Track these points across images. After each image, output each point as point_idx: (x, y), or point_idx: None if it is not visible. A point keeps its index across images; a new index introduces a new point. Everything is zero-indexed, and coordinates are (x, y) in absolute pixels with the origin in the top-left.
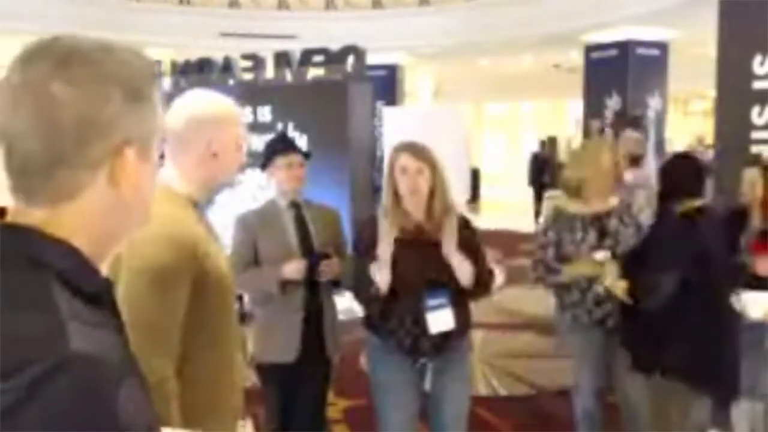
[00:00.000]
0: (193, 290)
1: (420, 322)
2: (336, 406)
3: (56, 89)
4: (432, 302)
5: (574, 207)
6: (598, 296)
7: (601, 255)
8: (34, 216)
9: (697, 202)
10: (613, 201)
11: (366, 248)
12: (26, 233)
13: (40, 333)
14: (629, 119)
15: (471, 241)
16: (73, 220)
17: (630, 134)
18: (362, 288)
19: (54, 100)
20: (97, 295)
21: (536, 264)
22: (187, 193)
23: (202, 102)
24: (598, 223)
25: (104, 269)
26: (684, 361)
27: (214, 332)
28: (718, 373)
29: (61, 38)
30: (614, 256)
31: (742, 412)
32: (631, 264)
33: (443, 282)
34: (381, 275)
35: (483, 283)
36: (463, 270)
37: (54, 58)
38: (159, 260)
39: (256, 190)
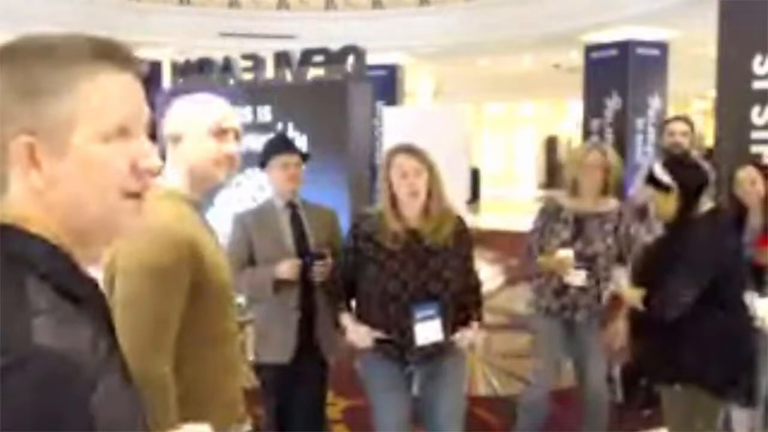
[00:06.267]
0: (192, 290)
1: (406, 334)
2: (335, 407)
3: None
4: (420, 314)
5: (565, 201)
6: (556, 289)
7: (562, 253)
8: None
9: (709, 204)
10: (611, 205)
11: (352, 248)
12: (4, 228)
13: (3, 328)
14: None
15: (466, 247)
16: (9, 210)
17: (676, 125)
18: (340, 292)
19: None
20: (75, 291)
21: (525, 248)
22: (185, 193)
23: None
24: (579, 222)
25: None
26: (704, 369)
27: (215, 332)
28: (739, 376)
29: (26, 36)
30: (623, 260)
31: (741, 416)
32: (649, 269)
33: (434, 294)
34: (359, 336)
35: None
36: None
37: None
38: (158, 257)
39: (256, 190)
